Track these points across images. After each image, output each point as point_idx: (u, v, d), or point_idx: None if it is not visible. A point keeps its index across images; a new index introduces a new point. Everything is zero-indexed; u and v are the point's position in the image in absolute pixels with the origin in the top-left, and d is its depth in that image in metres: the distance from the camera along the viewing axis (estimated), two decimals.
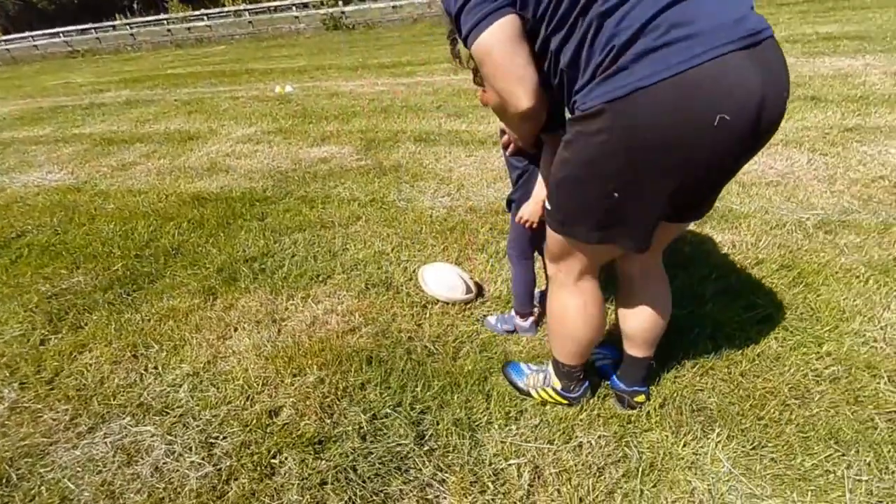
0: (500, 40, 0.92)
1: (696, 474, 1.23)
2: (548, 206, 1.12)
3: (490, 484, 1.25)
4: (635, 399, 1.40)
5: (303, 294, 2.09)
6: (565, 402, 1.42)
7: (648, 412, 1.39)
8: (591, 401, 1.44)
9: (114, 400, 1.61)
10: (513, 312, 1.75)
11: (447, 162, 3.45)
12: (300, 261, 2.34)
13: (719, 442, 1.30)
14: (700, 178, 0.95)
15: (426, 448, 1.35)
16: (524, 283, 1.65)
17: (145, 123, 5.66)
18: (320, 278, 2.20)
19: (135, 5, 32.14)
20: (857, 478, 1.19)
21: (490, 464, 1.29)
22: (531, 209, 1.42)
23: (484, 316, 1.84)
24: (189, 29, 18.96)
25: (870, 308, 1.73)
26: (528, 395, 1.46)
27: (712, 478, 1.22)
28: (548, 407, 1.43)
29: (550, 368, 1.42)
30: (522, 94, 0.96)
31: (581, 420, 1.38)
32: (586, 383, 1.42)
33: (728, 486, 1.20)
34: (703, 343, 1.61)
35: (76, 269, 2.51)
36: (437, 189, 3.02)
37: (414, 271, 2.15)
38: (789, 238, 2.17)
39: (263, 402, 1.54)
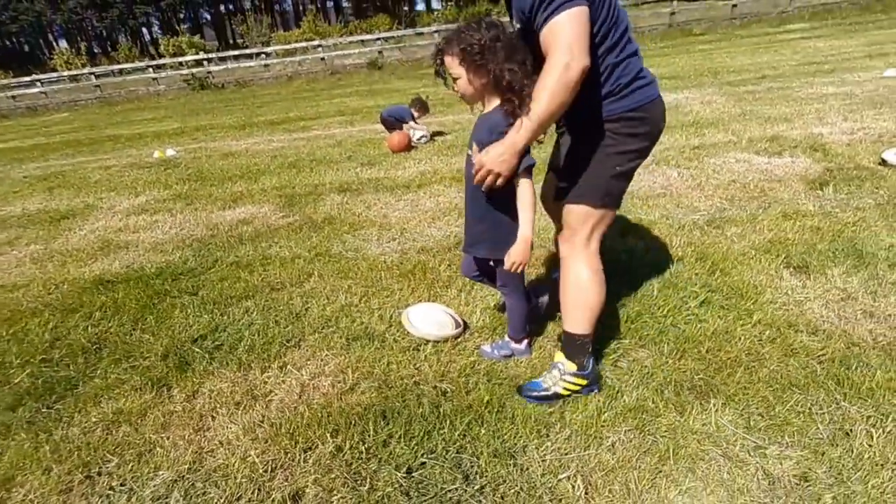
0: (578, 19, 1.23)
1: (711, 442, 1.41)
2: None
3: (550, 503, 1.28)
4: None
5: (278, 363, 1.93)
6: (585, 383, 1.56)
7: (654, 400, 1.55)
8: (605, 401, 1.56)
9: None
10: (507, 338, 1.83)
11: (379, 209, 3.49)
12: (261, 329, 2.16)
13: (716, 410, 1.51)
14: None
15: (476, 486, 1.34)
16: (521, 310, 1.74)
17: None
18: (291, 343, 2.05)
19: None
20: (820, 412, 1.47)
21: (542, 484, 1.33)
22: (521, 251, 1.45)
23: (477, 346, 1.89)
24: (14, 97, 16.41)
25: (770, 280, 2.16)
26: (556, 395, 1.55)
27: (723, 442, 1.41)
28: (569, 416, 1.52)
29: (559, 362, 1.57)
30: (586, 58, 1.24)
31: (605, 421, 1.50)
32: (593, 356, 1.58)
33: (738, 446, 1.39)
34: (668, 331, 1.86)
35: None
36: (381, 235, 3.03)
37: (391, 318, 2.13)
38: (692, 236, 2.61)
39: (281, 487, 1.38)
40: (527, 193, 1.44)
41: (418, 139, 4.96)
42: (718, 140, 4.10)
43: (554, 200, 1.75)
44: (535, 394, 1.58)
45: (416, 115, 5.12)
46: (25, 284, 2.91)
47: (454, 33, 1.39)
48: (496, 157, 1.34)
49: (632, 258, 2.39)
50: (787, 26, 12.40)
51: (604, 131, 1.44)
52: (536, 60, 1.34)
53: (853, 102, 4.76)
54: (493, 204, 1.51)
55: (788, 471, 1.30)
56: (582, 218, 1.51)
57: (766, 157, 3.62)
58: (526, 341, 1.82)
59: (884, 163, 3.26)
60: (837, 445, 1.36)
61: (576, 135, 1.55)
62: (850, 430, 1.40)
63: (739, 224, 2.67)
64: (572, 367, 1.54)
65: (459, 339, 1.94)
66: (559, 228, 1.68)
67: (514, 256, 1.47)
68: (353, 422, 1.57)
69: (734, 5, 14.48)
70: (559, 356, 1.58)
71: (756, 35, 11.49)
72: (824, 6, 14.21)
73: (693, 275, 2.20)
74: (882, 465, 1.29)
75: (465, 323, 2.01)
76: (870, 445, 1.34)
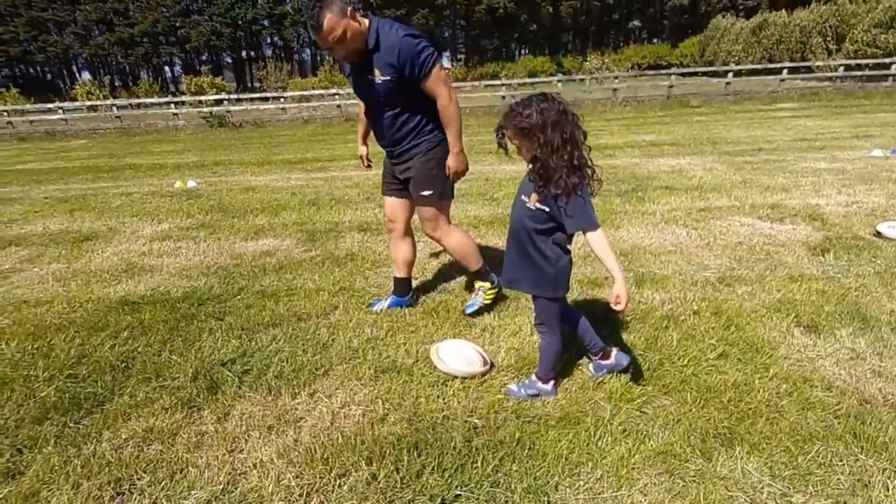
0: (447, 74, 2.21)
1: (738, 489, 1.45)
2: (429, 192, 2.29)
3: None
4: None
5: (308, 390, 1.96)
6: (494, 291, 2.48)
7: (682, 446, 1.60)
8: (633, 444, 1.60)
9: None
10: (534, 377, 1.89)
11: None
12: (289, 356, 2.20)
13: (741, 458, 1.55)
14: None
15: None
16: (553, 351, 1.82)
17: (11, 224, 4.83)
18: (320, 371, 2.09)
19: None
20: (840, 463, 1.52)
21: None
22: (624, 291, 1.55)
23: (503, 385, 1.94)
24: (31, 122, 16.91)
25: (783, 337, 2.25)
26: (483, 305, 2.47)
27: (749, 489, 1.45)
28: (598, 457, 1.56)
29: (478, 287, 2.49)
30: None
31: (635, 463, 1.53)
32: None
33: (765, 493, 1.43)
34: (690, 381, 1.92)
35: None
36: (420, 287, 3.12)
37: (418, 353, 2.18)
38: (706, 292, 2.73)
39: None
40: (600, 242, 1.58)
41: None
42: (723, 204, 4.32)
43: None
44: (472, 309, 2.45)
45: None
46: (49, 301, 2.95)
47: (509, 113, 1.58)
48: (456, 162, 2.25)
49: (650, 309, 2.49)
50: (778, 105, 13.22)
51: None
52: (428, 101, 2.15)
53: (846, 178, 5.05)
54: (536, 243, 1.65)
55: None
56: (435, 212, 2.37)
57: (768, 223, 3.82)
58: (553, 382, 1.88)
59: (878, 234, 3.45)
60: (858, 496, 1.41)
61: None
62: (869, 482, 1.45)
63: (749, 283, 2.79)
64: (486, 284, 2.46)
65: (486, 377, 1.99)
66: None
67: (621, 297, 1.55)
68: (386, 451, 1.60)
69: (728, 83, 15.49)
70: (477, 283, 2.49)
71: (749, 111, 12.22)
72: (811, 89, 15.23)
73: (709, 328, 2.29)
74: None
75: (491, 362, 2.07)
76: (886, 496, 1.40)
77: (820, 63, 17.91)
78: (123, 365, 2.20)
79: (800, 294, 2.65)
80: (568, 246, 1.71)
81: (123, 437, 1.74)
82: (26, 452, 1.69)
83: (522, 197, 1.68)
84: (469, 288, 2.70)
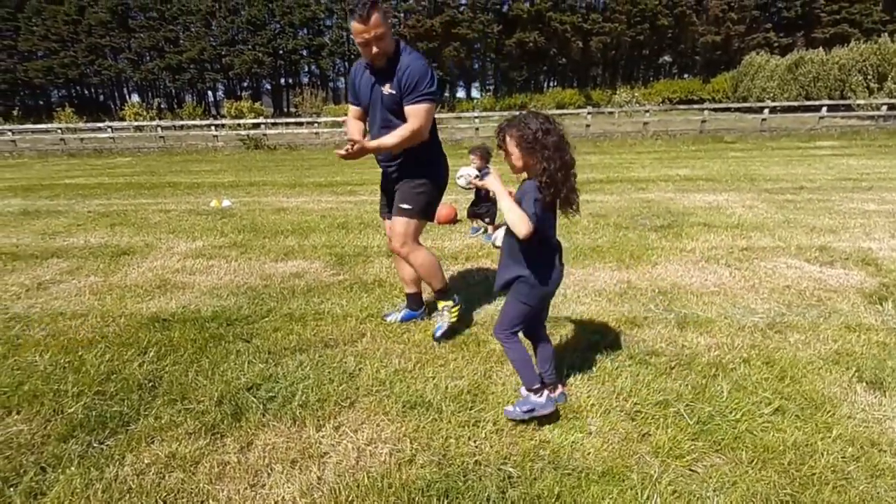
0: (433, 111, 2.35)
1: None
2: (409, 206, 2.36)
3: None
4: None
5: (333, 423, 1.89)
6: (458, 308, 2.54)
7: None
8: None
9: None
10: (524, 391, 1.83)
11: None
12: (314, 385, 2.14)
13: None
14: None
15: None
16: (521, 359, 1.80)
17: (56, 236, 5.01)
18: (346, 403, 2.02)
19: (15, 112, 29.93)
20: None
21: None
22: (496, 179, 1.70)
23: (538, 430, 1.82)
24: (82, 140, 17.92)
25: (844, 393, 2.06)
26: (450, 325, 2.50)
27: None
28: None
29: (442, 306, 2.53)
30: (427, 134, 2.40)
31: None
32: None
33: None
34: (744, 437, 1.76)
35: (9, 414, 1.99)
36: (431, 303, 3.06)
37: (447, 388, 2.09)
38: (754, 338, 2.55)
39: None
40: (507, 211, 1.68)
41: (459, 177, 4.35)
42: (766, 244, 4.12)
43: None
44: (441, 332, 2.46)
45: (473, 159, 4.65)
46: (84, 314, 3.00)
47: (518, 120, 1.67)
48: (366, 146, 2.22)
49: (694, 354, 2.34)
50: (817, 143, 12.86)
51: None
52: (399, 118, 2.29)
53: None
54: (514, 245, 1.72)
55: None
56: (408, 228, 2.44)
57: (817, 266, 3.61)
58: (546, 392, 1.81)
59: None
60: None
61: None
62: None
63: (801, 331, 2.60)
64: (450, 303, 2.52)
65: (524, 423, 1.87)
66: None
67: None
68: (414, 498, 1.50)
69: (763, 119, 15.22)
70: (440, 304, 2.54)
71: (787, 148, 11.91)
72: (851, 128, 14.80)
73: (762, 379, 2.13)
74: None
75: None
76: None
77: (861, 101, 17.46)
78: (150, 384, 2.19)
79: (859, 346, 2.45)
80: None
81: (146, 461, 1.69)
82: (50, 472, 1.66)
83: None
84: (432, 310, 2.74)
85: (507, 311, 1.81)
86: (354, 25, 2.13)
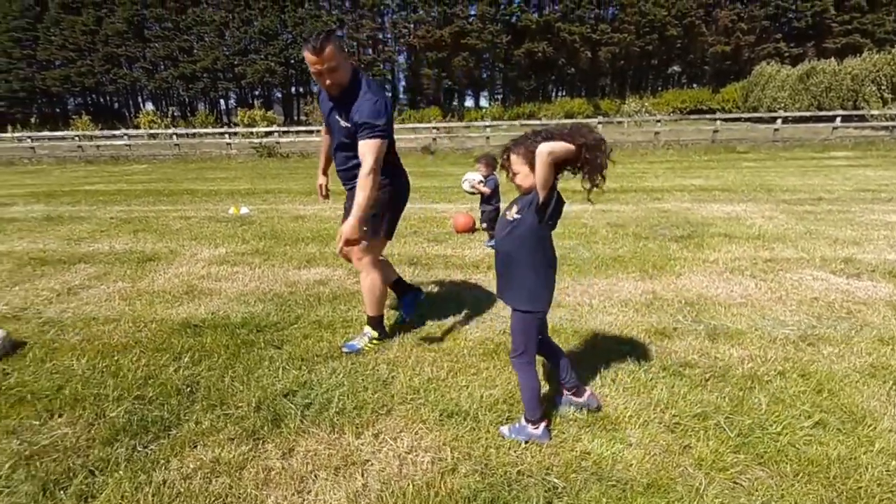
0: (381, 147, 2.26)
1: None
2: (363, 227, 2.21)
3: None
4: None
5: (372, 430, 1.90)
6: (378, 341, 2.57)
7: None
8: None
9: None
10: (523, 422, 1.83)
11: (451, 286, 3.57)
12: (349, 392, 2.16)
13: None
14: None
15: None
16: (532, 389, 1.78)
17: (81, 242, 5.10)
18: (382, 411, 2.03)
19: (32, 119, 30.56)
20: None
21: None
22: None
23: (578, 439, 1.82)
24: (98, 147, 18.23)
25: (884, 407, 2.04)
26: (360, 350, 2.52)
27: None
28: None
29: (366, 330, 2.59)
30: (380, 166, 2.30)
31: None
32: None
33: None
34: (787, 451, 1.75)
35: (52, 417, 2.03)
36: (458, 311, 3.08)
37: (482, 398, 2.10)
38: (787, 351, 2.54)
39: None
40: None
41: (465, 181, 4.73)
42: (790, 255, 4.10)
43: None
44: (349, 349, 2.51)
45: (479, 167, 4.83)
46: (116, 319, 3.05)
47: (523, 138, 1.69)
48: (349, 228, 2.13)
49: (728, 367, 2.33)
50: (831, 153, 12.78)
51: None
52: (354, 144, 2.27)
53: None
54: (516, 259, 1.73)
55: None
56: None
57: (844, 278, 3.58)
58: (543, 424, 1.81)
59: None
60: None
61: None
62: None
63: (834, 343, 2.59)
64: (375, 334, 2.58)
65: (562, 434, 1.88)
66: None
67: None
68: None
69: (776, 129, 15.16)
70: (367, 328, 2.60)
71: (801, 158, 11.84)
72: (866, 138, 14.69)
73: (799, 392, 2.12)
74: None
75: None
76: None
77: (875, 112, 17.33)
78: (188, 389, 2.22)
79: (894, 359, 2.43)
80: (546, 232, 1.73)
81: (191, 466, 1.72)
82: (98, 475, 1.69)
83: (506, 213, 1.77)
84: (362, 325, 2.72)
85: (513, 330, 1.81)
86: (308, 56, 2.14)
